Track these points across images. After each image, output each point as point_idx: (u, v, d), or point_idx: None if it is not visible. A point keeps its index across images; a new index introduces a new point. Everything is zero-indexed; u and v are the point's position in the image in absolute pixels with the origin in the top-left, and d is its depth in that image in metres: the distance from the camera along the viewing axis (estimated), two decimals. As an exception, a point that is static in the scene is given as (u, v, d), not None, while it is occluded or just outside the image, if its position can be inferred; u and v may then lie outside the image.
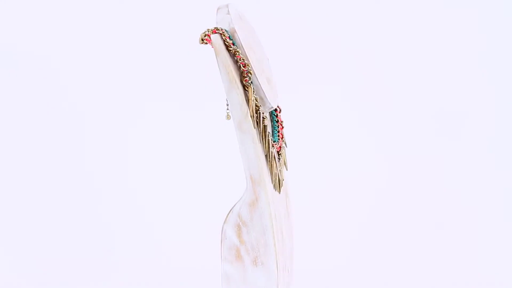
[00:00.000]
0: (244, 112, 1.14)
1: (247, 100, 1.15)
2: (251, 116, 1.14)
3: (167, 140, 1.95)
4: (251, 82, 1.15)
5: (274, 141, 1.23)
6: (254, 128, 1.14)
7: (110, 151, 1.93)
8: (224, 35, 1.14)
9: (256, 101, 1.15)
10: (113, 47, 1.94)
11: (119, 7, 1.95)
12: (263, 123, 1.16)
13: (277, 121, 1.27)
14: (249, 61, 1.15)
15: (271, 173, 1.19)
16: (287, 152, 1.31)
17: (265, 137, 1.17)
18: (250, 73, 1.15)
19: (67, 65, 1.91)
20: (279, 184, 1.22)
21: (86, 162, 1.91)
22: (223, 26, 1.17)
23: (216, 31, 1.15)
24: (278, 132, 1.26)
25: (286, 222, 1.26)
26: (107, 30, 1.94)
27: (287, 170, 1.30)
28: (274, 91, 1.24)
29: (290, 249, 1.27)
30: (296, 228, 1.32)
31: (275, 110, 1.28)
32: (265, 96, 1.18)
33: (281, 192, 1.24)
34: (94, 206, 1.88)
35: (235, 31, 1.16)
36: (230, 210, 1.18)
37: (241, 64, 1.15)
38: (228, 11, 1.18)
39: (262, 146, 1.16)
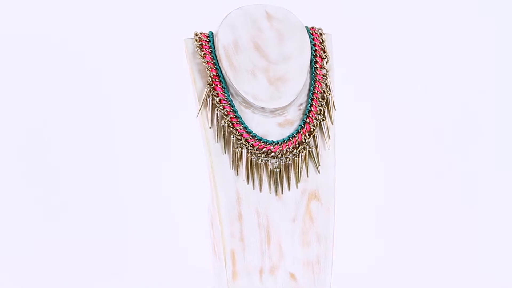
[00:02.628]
0: (199, 112, 1.18)
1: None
2: (206, 117, 1.17)
3: (159, 137, 1.92)
4: (221, 82, 1.17)
5: (277, 142, 1.18)
6: (210, 127, 1.17)
7: (97, 152, 1.91)
8: (197, 40, 1.20)
9: (218, 102, 1.17)
10: (113, 47, 1.92)
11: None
12: (219, 123, 1.16)
13: (305, 121, 1.20)
14: (221, 63, 1.18)
15: (251, 171, 1.17)
16: (325, 154, 1.21)
17: (224, 137, 1.17)
18: (211, 77, 1.17)
19: (67, 64, 1.92)
20: (276, 186, 1.17)
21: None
22: (214, 29, 1.21)
23: (195, 36, 1.21)
24: (298, 132, 1.19)
25: (291, 226, 1.19)
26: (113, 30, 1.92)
27: (318, 172, 1.20)
28: (280, 92, 1.19)
29: (297, 254, 1.18)
30: (328, 234, 1.20)
31: (309, 111, 1.20)
32: (246, 98, 1.17)
33: (291, 194, 1.18)
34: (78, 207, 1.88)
35: (216, 34, 1.20)
36: (207, 206, 1.22)
37: (209, 65, 1.18)
38: (229, 14, 1.21)
39: (221, 145, 1.17)
